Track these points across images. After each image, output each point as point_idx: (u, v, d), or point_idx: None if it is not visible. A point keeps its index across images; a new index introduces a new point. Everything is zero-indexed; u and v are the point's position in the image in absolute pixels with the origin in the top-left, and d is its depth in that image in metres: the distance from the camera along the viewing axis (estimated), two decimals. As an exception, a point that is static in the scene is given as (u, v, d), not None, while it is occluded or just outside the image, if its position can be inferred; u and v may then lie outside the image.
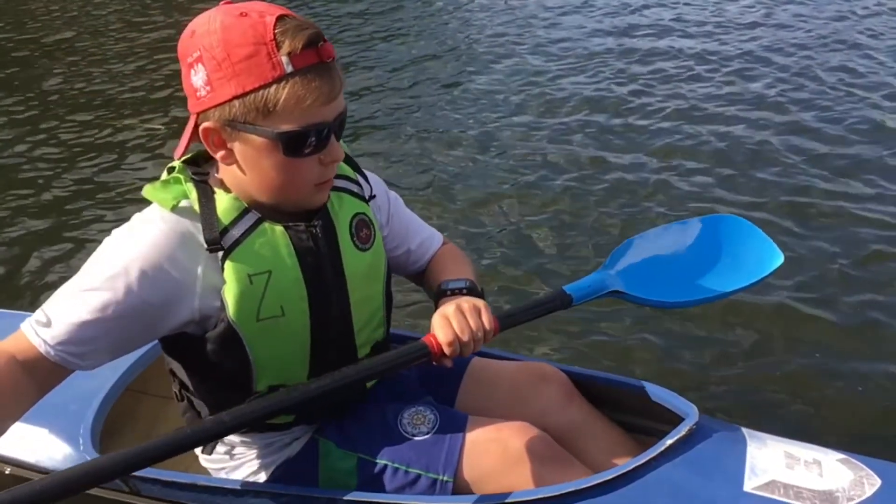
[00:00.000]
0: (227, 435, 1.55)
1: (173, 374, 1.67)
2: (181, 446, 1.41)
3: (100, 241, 1.49)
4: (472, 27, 7.46)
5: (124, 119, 5.77)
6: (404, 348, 1.56)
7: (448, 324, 1.54)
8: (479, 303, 1.60)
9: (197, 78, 1.42)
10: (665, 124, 4.98)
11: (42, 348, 1.42)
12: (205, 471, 1.81)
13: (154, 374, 2.14)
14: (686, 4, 7.43)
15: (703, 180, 4.26)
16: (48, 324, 1.42)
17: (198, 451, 1.77)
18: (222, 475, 1.75)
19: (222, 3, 1.47)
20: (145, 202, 1.52)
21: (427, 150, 4.92)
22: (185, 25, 1.46)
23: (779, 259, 1.96)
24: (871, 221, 3.69)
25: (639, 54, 6.28)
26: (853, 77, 5.42)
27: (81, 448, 1.88)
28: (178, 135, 1.54)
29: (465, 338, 1.53)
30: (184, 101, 1.48)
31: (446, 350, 1.53)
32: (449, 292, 1.67)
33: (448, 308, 1.57)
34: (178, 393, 1.70)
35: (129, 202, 4.37)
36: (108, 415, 2.00)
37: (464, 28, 7.49)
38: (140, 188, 1.52)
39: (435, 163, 4.72)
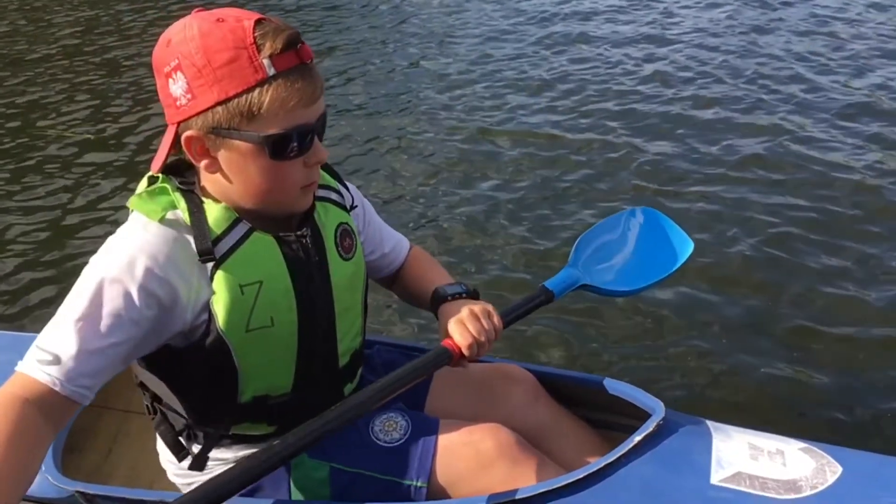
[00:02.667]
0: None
1: (144, 387, 1.64)
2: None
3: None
4: (406, 20, 7.53)
5: (87, 132, 5.56)
6: (426, 356, 1.61)
7: (465, 328, 1.61)
8: (487, 305, 1.68)
9: (176, 87, 1.40)
10: (595, 107, 5.16)
11: (57, 387, 1.36)
12: (172, 486, 1.78)
13: (114, 388, 2.10)
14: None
15: (628, 163, 4.43)
16: (56, 361, 1.36)
17: (167, 465, 1.75)
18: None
19: (195, 10, 1.45)
20: (112, 215, 1.49)
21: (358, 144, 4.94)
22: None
23: (690, 246, 2.17)
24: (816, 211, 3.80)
25: (562, 41, 6.45)
26: (766, 73, 5.57)
27: (43, 468, 1.84)
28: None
29: (482, 339, 1.61)
30: (151, 106, 1.45)
31: (466, 352, 1.60)
32: (450, 297, 1.72)
33: (462, 313, 1.63)
34: (149, 406, 1.67)
35: (98, 218, 4.23)
36: (69, 432, 1.96)
37: (399, 20, 7.56)
38: (111, 201, 1.49)
39: (365, 161, 4.75)
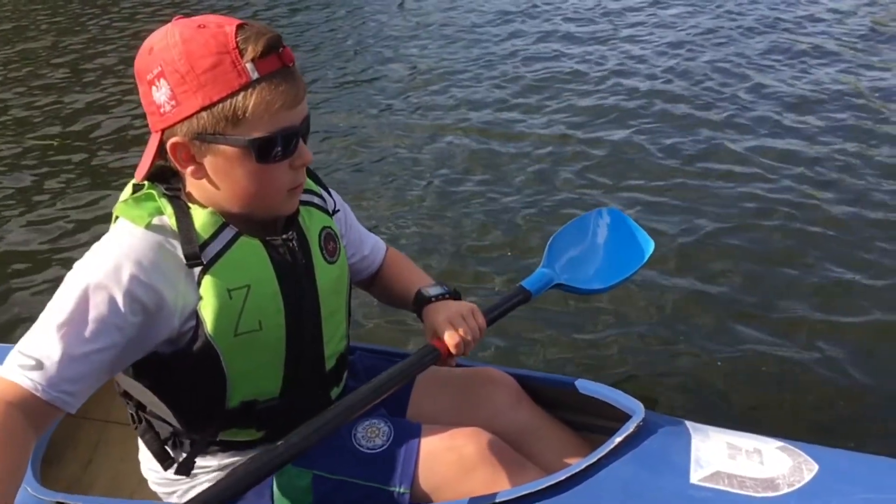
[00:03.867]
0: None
1: (128, 395, 1.63)
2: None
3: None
4: (364, 22, 7.62)
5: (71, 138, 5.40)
6: (414, 356, 1.67)
7: (452, 328, 1.67)
8: (472, 305, 1.74)
9: (160, 94, 1.40)
10: (556, 105, 5.26)
11: (38, 392, 1.34)
12: (153, 495, 1.77)
13: (94, 398, 2.05)
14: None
15: (589, 166, 4.45)
16: (39, 366, 1.35)
17: (149, 474, 1.74)
18: (174, 499, 1.72)
19: (175, 18, 1.45)
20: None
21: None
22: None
23: (652, 245, 2.31)
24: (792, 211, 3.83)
25: (520, 42, 6.57)
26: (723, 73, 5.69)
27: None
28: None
29: (468, 337, 1.67)
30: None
31: (454, 351, 1.66)
32: (433, 299, 1.77)
33: (449, 313, 1.69)
34: (134, 415, 1.66)
35: (55, 217, 4.13)
36: (49, 442, 1.94)
37: (359, 21, 7.65)
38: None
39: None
